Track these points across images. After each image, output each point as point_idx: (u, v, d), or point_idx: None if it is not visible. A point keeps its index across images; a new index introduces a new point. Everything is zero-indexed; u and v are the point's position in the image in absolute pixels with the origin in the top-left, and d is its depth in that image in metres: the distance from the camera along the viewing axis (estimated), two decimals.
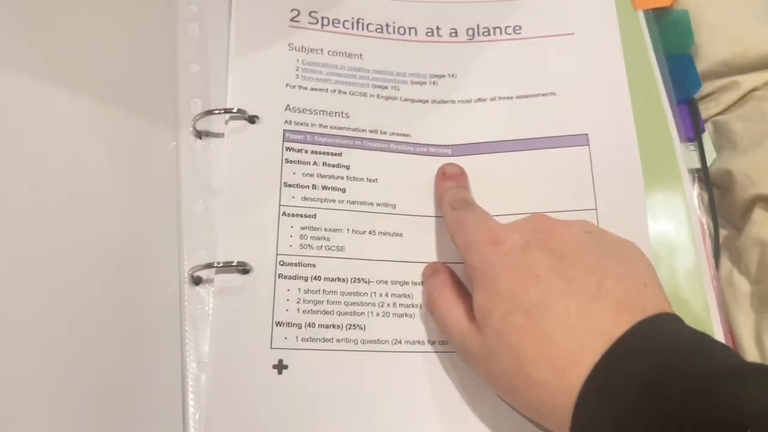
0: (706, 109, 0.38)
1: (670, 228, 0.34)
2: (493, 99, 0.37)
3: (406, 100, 0.37)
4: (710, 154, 0.37)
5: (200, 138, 0.36)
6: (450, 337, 0.30)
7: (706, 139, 0.38)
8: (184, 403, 0.32)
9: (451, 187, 0.34)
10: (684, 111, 0.37)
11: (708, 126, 0.38)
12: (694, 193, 0.36)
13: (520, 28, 0.39)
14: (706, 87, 0.39)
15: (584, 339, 0.25)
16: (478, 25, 0.39)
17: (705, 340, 0.25)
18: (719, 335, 0.32)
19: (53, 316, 0.32)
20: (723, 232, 0.36)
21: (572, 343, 0.25)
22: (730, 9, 0.39)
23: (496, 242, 0.29)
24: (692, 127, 0.37)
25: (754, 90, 0.37)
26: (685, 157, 0.36)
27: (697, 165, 0.37)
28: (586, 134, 0.36)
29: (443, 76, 0.38)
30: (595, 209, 0.35)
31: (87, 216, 0.34)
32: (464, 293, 0.31)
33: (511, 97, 0.37)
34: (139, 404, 0.31)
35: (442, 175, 0.35)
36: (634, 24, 0.39)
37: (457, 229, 0.31)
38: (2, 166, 0.33)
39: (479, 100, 0.37)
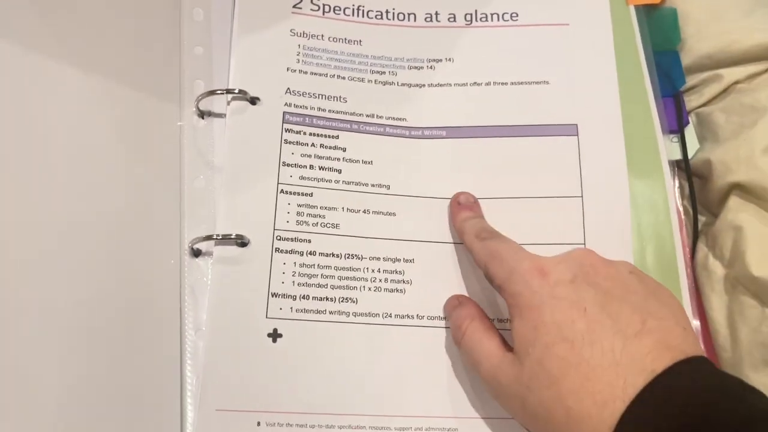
0: (690, 101, 0.40)
1: (651, 216, 0.36)
2: (488, 84, 0.39)
3: (403, 84, 0.39)
4: (695, 146, 0.39)
5: (203, 117, 0.37)
6: (480, 369, 0.30)
7: (692, 130, 0.39)
8: (182, 369, 0.33)
9: (470, 218, 0.34)
10: (669, 104, 0.39)
11: (692, 117, 0.39)
12: (674, 182, 0.37)
13: (517, 15, 0.40)
14: (691, 80, 0.40)
15: (627, 374, 0.25)
16: (476, 11, 0.40)
17: (740, 384, 0.25)
18: (690, 317, 0.34)
19: (57, 285, 0.33)
20: (702, 219, 0.38)
21: (615, 378, 0.25)
22: (716, 4, 0.40)
23: (543, 272, 0.28)
24: (676, 120, 0.39)
25: (736, 83, 0.39)
26: (669, 148, 0.38)
27: (679, 156, 0.38)
28: (576, 124, 0.37)
29: (440, 60, 0.39)
30: (581, 197, 0.36)
31: (93, 190, 0.35)
32: (492, 325, 0.31)
33: (506, 83, 0.39)
34: (138, 369, 0.33)
35: (457, 204, 0.36)
36: (625, 19, 0.40)
37: (493, 259, 0.31)
38: (10, 141, 0.35)
39: (474, 83, 0.39)
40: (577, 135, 0.37)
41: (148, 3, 0.39)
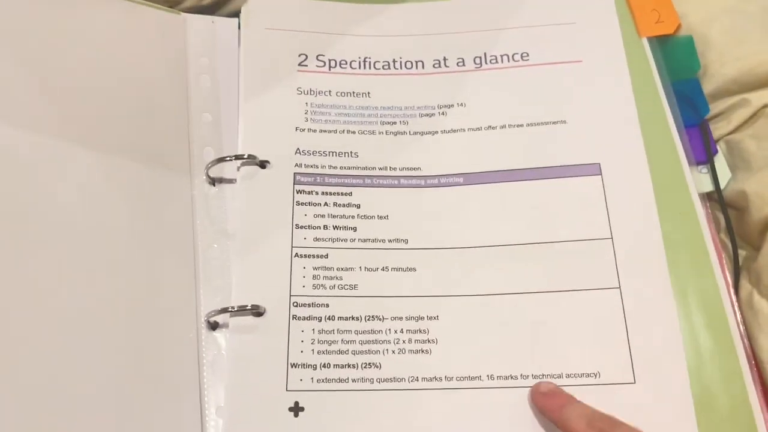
0: (717, 129, 0.38)
1: (687, 254, 0.34)
2: (503, 127, 0.38)
3: (415, 133, 0.38)
4: (727, 175, 0.37)
5: (214, 185, 0.37)
6: None
7: (720, 159, 0.37)
8: None
9: (568, 403, 0.30)
10: (694, 134, 0.37)
11: (721, 145, 0.38)
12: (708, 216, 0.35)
13: (528, 55, 0.39)
14: (717, 106, 0.38)
15: None
16: (485, 53, 0.40)
17: None
18: (743, 360, 0.32)
19: (74, 368, 0.32)
20: (742, 253, 0.35)
21: None
22: (735, 26, 0.39)
23: None
24: (703, 150, 0.37)
25: (765, 107, 0.37)
26: (698, 180, 0.36)
27: (710, 188, 0.36)
28: (598, 163, 0.36)
29: (452, 105, 0.39)
30: (611, 238, 0.34)
31: (105, 266, 0.34)
32: None
33: (522, 125, 0.37)
34: None
35: (542, 395, 0.31)
36: (639, 51, 0.39)
37: None
38: (21, 220, 0.35)
39: (489, 127, 0.38)
40: (601, 174, 0.36)
41: (153, 73, 0.39)
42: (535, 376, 0.32)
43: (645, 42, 0.39)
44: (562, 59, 0.39)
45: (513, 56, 0.39)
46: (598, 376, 0.32)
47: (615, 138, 0.36)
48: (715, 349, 0.32)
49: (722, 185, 0.36)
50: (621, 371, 0.32)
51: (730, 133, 0.38)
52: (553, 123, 0.37)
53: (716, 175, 0.36)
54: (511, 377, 0.32)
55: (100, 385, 0.32)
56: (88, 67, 0.38)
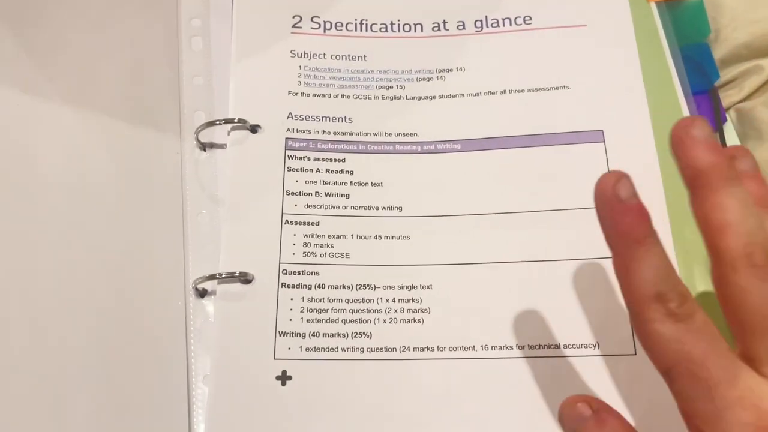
0: (728, 96, 0.36)
1: (692, 227, 0.32)
2: (503, 92, 0.36)
3: (412, 98, 0.37)
4: (736, 144, 0.35)
5: (204, 150, 0.36)
6: None
7: (729, 128, 0.36)
8: (190, 418, 0.31)
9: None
10: (703, 102, 0.36)
11: (731, 114, 0.36)
12: None
13: (531, 19, 0.38)
14: (728, 73, 0.37)
15: None
16: (486, 17, 0.38)
17: None
18: None
19: (58, 332, 0.32)
20: None
21: None
22: None
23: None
24: (713, 118, 0.35)
25: None
26: None
27: None
28: (601, 130, 0.35)
29: (451, 70, 0.37)
30: None
31: (92, 230, 0.34)
32: None
33: (523, 90, 0.36)
34: (145, 420, 0.31)
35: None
36: (647, 16, 0.37)
37: (688, 372, 0.21)
38: (7, 181, 0.34)
39: (489, 93, 0.36)
40: (604, 141, 0.34)
41: (144, 35, 0.38)
42: (531, 347, 0.31)
43: (653, 6, 0.37)
44: (565, 23, 0.37)
45: (515, 20, 0.38)
46: (596, 347, 0.31)
47: (619, 105, 0.35)
48: (719, 319, 0.31)
49: None
50: (621, 343, 0.31)
51: (742, 101, 0.36)
52: (555, 89, 0.36)
53: (725, 143, 0.35)
54: (506, 347, 0.31)
55: (85, 350, 0.32)
56: (77, 25, 0.37)
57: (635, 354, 0.30)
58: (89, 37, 0.37)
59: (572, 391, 0.29)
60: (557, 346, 0.31)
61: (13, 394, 0.30)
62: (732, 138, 0.35)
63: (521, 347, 0.31)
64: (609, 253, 0.32)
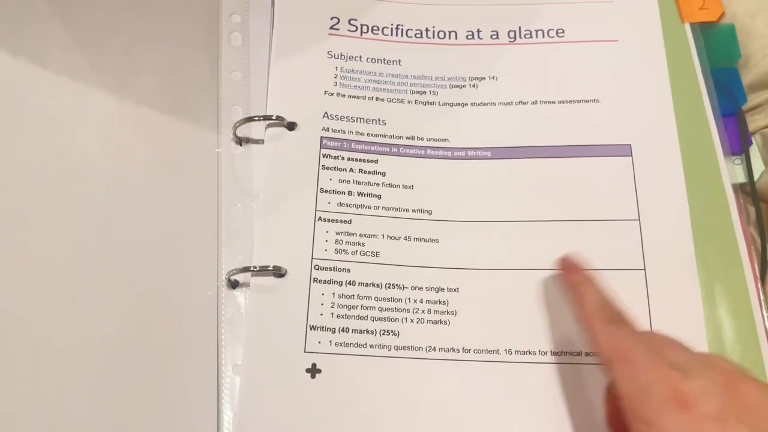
0: (754, 121, 0.37)
1: (715, 244, 0.33)
2: (534, 102, 0.37)
3: (444, 104, 0.37)
4: (760, 168, 0.36)
5: (240, 144, 0.37)
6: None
7: (755, 152, 0.36)
8: (219, 406, 0.32)
9: (585, 283, 0.30)
10: (730, 124, 0.36)
11: (756, 138, 0.37)
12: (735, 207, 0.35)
13: (563, 32, 0.39)
14: (755, 98, 0.38)
15: None
16: (519, 27, 0.39)
17: None
18: (766, 353, 0.31)
19: (94, 318, 0.33)
20: None
21: None
22: None
23: (684, 404, 0.23)
24: (738, 141, 0.36)
25: None
26: (731, 171, 0.35)
27: (742, 179, 0.35)
28: (629, 145, 0.35)
29: (484, 78, 0.38)
30: (638, 220, 0.34)
31: (128, 219, 0.35)
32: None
33: (554, 102, 0.37)
34: (174, 406, 0.32)
35: (568, 264, 0.32)
36: (680, 36, 0.38)
37: (620, 361, 0.26)
38: (50, 170, 0.35)
39: (520, 102, 0.37)
40: (631, 155, 0.35)
41: (185, 29, 0.39)
42: (553, 353, 0.32)
43: (687, 27, 0.38)
44: (598, 38, 0.38)
45: (548, 32, 0.39)
46: None
47: (647, 120, 0.36)
48: (739, 341, 0.32)
49: (755, 178, 0.36)
50: None
51: (767, 126, 0.37)
52: (586, 102, 0.37)
53: (750, 165, 0.35)
54: (529, 352, 0.32)
55: (118, 337, 0.32)
56: (122, 16, 0.38)
57: None
58: (133, 28, 0.38)
59: (594, 398, 0.30)
60: (579, 353, 0.32)
61: (51, 375, 0.31)
62: (757, 160, 0.36)
63: (544, 353, 0.32)
64: (634, 265, 0.33)
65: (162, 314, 0.33)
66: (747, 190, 0.36)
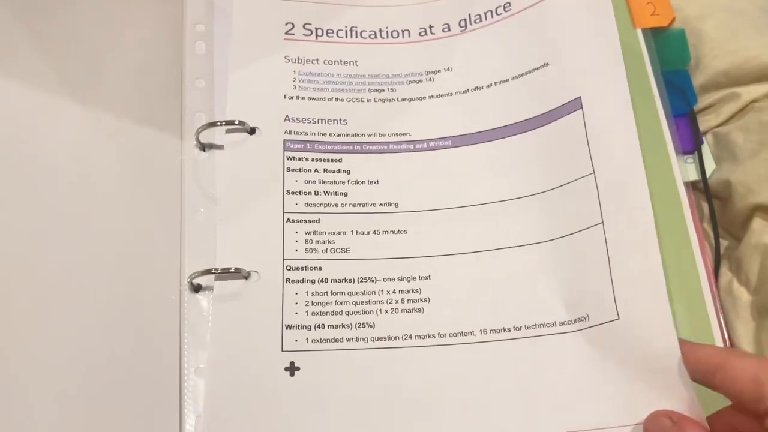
0: (706, 121, 0.38)
1: (671, 241, 0.34)
2: (489, 85, 0.38)
3: (403, 99, 0.38)
4: (711, 166, 0.37)
5: (204, 150, 0.37)
6: None
7: (706, 150, 0.37)
8: (181, 409, 0.32)
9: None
10: (682, 124, 0.37)
11: (708, 138, 0.38)
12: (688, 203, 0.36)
13: (510, 5, 0.39)
14: (707, 99, 0.39)
15: None
16: (469, 15, 0.40)
17: None
18: (719, 345, 0.32)
19: (56, 323, 0.33)
20: (723, 243, 0.36)
21: None
22: (729, 22, 0.39)
23: None
24: (691, 140, 0.37)
25: (753, 101, 0.37)
26: (683, 169, 0.36)
27: (695, 177, 0.36)
28: (579, 97, 0.35)
29: (439, 71, 0.39)
30: (593, 173, 0.34)
31: (92, 224, 0.35)
32: None
33: (507, 80, 0.37)
34: (138, 409, 0.32)
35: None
36: (633, 41, 0.39)
37: None
38: (12, 175, 0.35)
39: (476, 88, 0.38)
40: (582, 108, 0.35)
41: (150, 37, 0.39)
42: (527, 327, 0.32)
43: (639, 33, 0.39)
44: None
45: (496, 10, 0.39)
46: (587, 319, 0.32)
47: (598, 73, 0.35)
48: (693, 335, 0.32)
49: (707, 175, 0.37)
50: (606, 311, 0.31)
51: (719, 125, 0.38)
52: (537, 69, 0.37)
53: (703, 163, 0.36)
54: (504, 329, 0.32)
55: (80, 341, 0.32)
56: (87, 24, 0.38)
57: (618, 318, 0.31)
58: (98, 36, 0.38)
59: (569, 366, 0.31)
60: (553, 324, 0.32)
61: (10, 378, 0.31)
62: (708, 158, 0.37)
63: (518, 328, 0.32)
64: (593, 221, 0.33)
65: (125, 319, 0.33)
66: (700, 188, 0.37)
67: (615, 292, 0.31)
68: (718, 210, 0.36)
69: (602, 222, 0.33)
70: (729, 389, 0.25)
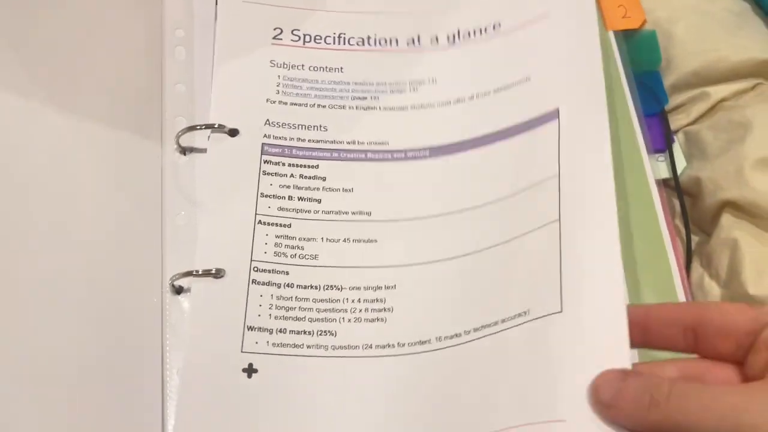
0: (677, 120, 0.39)
1: (643, 238, 0.35)
2: (471, 98, 0.38)
3: (385, 108, 0.38)
4: (682, 164, 0.38)
5: (184, 154, 0.37)
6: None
7: (677, 149, 0.38)
8: (164, 411, 0.32)
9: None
10: (653, 123, 0.38)
11: (679, 136, 0.39)
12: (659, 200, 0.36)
13: (500, 25, 0.39)
14: (678, 98, 0.40)
15: None
16: (458, 30, 0.40)
17: None
18: None
19: (37, 324, 0.33)
20: (695, 239, 0.37)
21: None
22: (700, 23, 0.40)
23: None
24: (662, 139, 0.38)
25: (723, 100, 0.38)
26: (655, 168, 0.37)
27: (666, 175, 0.37)
28: (557, 108, 0.35)
29: (424, 82, 0.39)
30: (558, 175, 0.33)
31: (73, 229, 0.35)
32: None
33: (489, 92, 0.38)
34: (120, 412, 0.32)
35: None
36: (605, 43, 0.39)
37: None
38: None
39: (458, 101, 0.38)
40: (558, 118, 0.35)
41: (130, 43, 0.40)
42: (475, 329, 0.32)
43: (611, 35, 0.40)
44: (530, 17, 0.38)
45: (486, 29, 0.39)
46: (527, 313, 0.31)
47: (576, 84, 0.36)
48: None
49: (678, 173, 0.37)
50: (549, 304, 0.31)
51: (689, 124, 0.39)
52: (518, 83, 0.37)
53: (674, 161, 0.37)
54: (455, 335, 0.32)
55: (63, 343, 0.32)
56: (66, 30, 0.38)
57: (561, 311, 0.30)
58: (77, 41, 0.38)
59: (518, 361, 0.30)
60: (496, 323, 0.32)
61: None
62: (679, 157, 0.38)
63: (467, 332, 0.32)
64: (549, 219, 0.32)
65: (107, 322, 0.33)
66: (671, 185, 0.38)
67: (562, 285, 0.31)
68: (689, 206, 0.37)
69: (559, 219, 0.32)
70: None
